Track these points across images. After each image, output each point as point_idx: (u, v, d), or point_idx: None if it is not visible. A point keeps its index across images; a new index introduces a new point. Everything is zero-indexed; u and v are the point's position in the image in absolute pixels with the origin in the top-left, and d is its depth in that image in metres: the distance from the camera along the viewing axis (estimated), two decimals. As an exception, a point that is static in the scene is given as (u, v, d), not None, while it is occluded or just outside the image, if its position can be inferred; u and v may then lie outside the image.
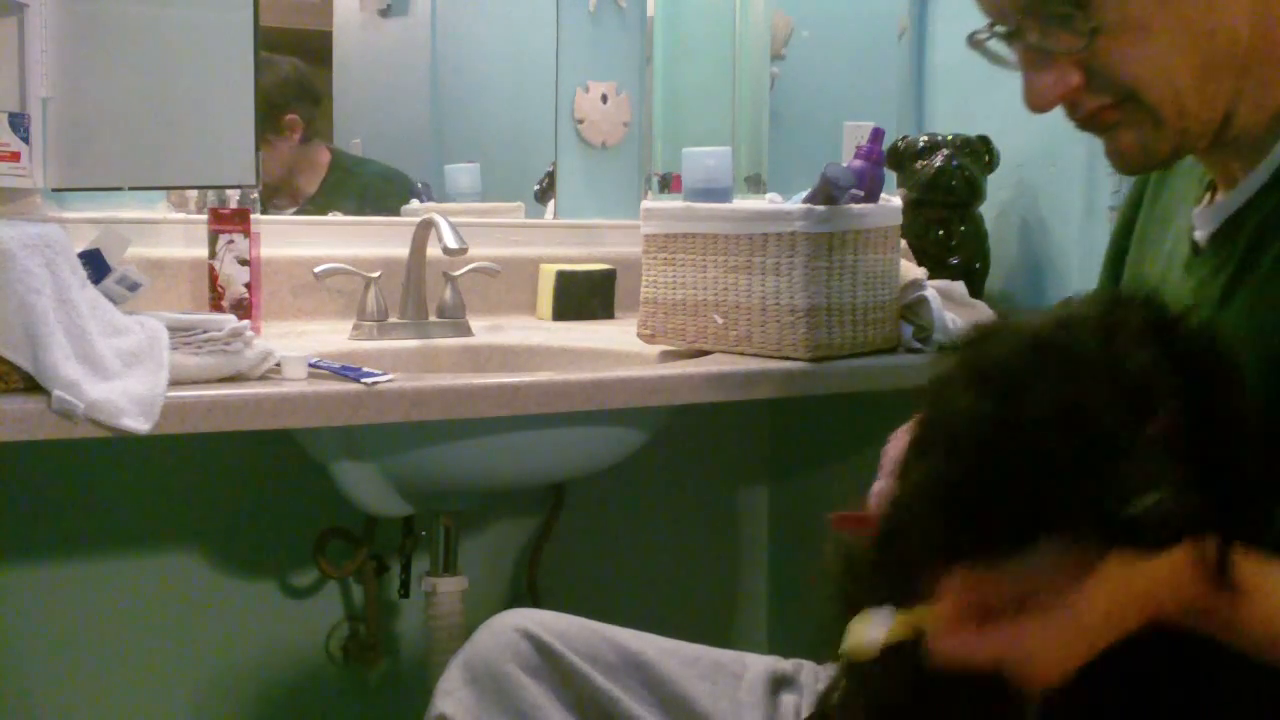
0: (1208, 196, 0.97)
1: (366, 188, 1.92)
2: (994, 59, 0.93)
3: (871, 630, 0.72)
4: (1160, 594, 0.72)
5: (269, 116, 1.78)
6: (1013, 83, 0.91)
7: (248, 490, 1.70)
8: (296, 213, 1.86)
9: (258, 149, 1.57)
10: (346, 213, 1.87)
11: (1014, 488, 0.68)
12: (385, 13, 1.93)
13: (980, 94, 2.00)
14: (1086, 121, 0.91)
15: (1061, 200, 1.89)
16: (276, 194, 1.85)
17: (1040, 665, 0.70)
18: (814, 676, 1.11)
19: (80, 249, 1.26)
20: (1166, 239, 1.02)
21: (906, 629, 0.72)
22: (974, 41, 0.92)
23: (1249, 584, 0.73)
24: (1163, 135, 0.88)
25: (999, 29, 0.91)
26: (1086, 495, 0.67)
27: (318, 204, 1.88)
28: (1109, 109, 0.88)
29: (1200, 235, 0.95)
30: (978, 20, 0.92)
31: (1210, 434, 0.71)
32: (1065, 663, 0.71)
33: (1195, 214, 0.96)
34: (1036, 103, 0.89)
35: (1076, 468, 0.67)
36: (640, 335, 1.62)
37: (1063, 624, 0.70)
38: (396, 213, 1.92)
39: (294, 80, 1.86)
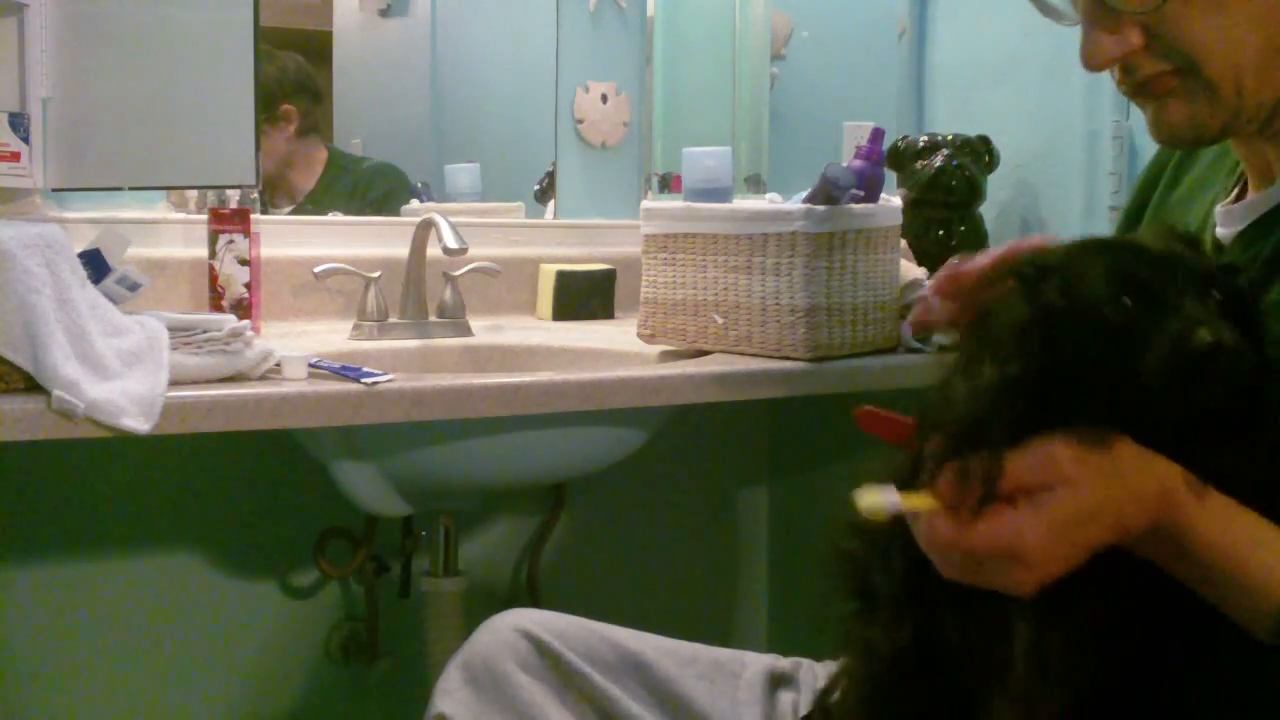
0: (1235, 192, 0.94)
1: (358, 182, 1.92)
2: (1046, 10, 0.91)
3: (884, 496, 0.76)
4: (1129, 509, 0.74)
5: (265, 106, 1.78)
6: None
7: (248, 490, 1.70)
8: (294, 211, 1.86)
9: (258, 149, 1.57)
10: (344, 209, 1.87)
11: (1085, 353, 0.73)
12: (385, 13, 1.93)
13: (980, 94, 2.00)
14: (1138, 88, 0.88)
15: (1061, 200, 1.89)
16: (274, 190, 1.85)
17: (1027, 554, 0.72)
18: (812, 675, 1.11)
19: (80, 249, 1.26)
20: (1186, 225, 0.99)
21: (912, 505, 0.76)
22: None
23: (1207, 517, 0.75)
24: (1215, 111, 0.86)
25: None
26: (1153, 333, 0.72)
27: (315, 201, 1.88)
28: (1166, 76, 0.86)
29: (1224, 233, 0.93)
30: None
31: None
32: (1048, 558, 0.72)
33: (1219, 211, 0.94)
34: (1094, 61, 0.87)
35: (1141, 320, 0.72)
36: (640, 335, 1.62)
37: (1052, 514, 0.72)
38: (395, 209, 1.92)
39: (294, 73, 1.86)
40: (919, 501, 0.75)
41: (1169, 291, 0.73)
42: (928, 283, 0.89)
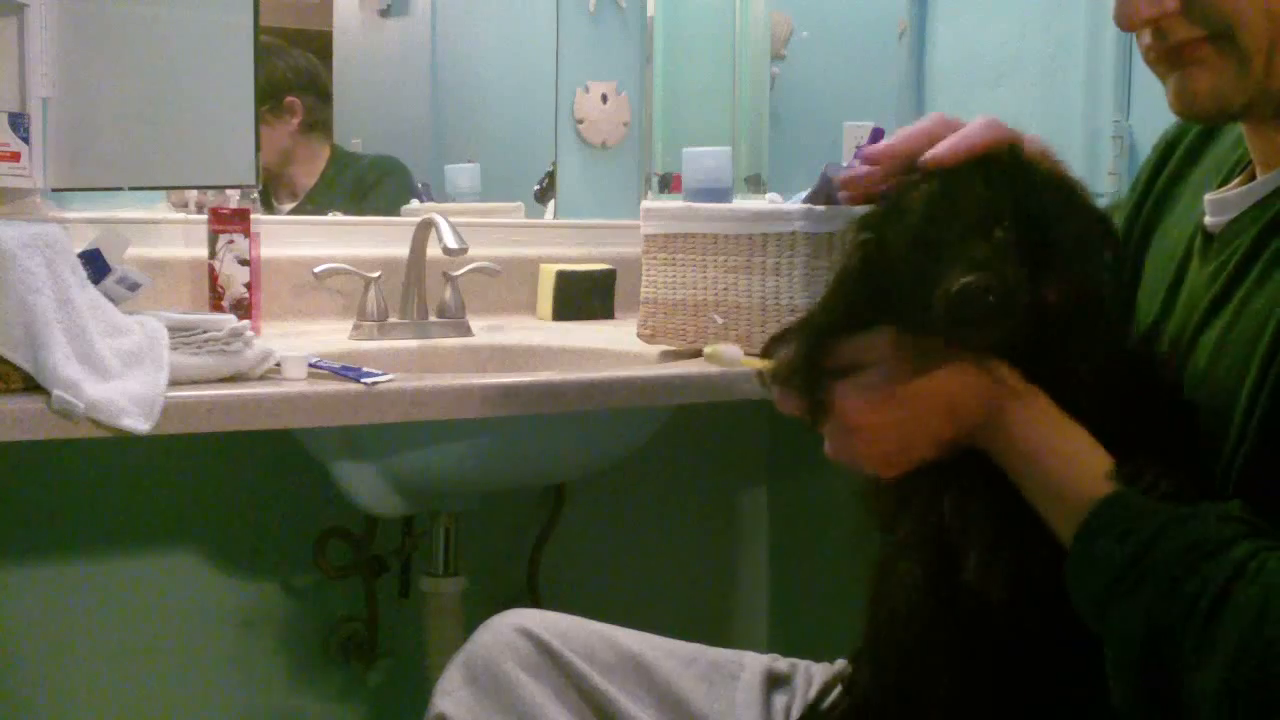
0: (1236, 182, 0.92)
1: (360, 178, 1.92)
2: None
3: (731, 349, 0.95)
4: (960, 397, 0.80)
5: (269, 97, 1.78)
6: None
7: (248, 490, 1.70)
8: (295, 209, 1.86)
9: (258, 149, 1.57)
10: (346, 206, 1.87)
11: (880, 287, 0.82)
12: (385, 13, 1.93)
13: (980, 94, 2.00)
14: (1167, 54, 0.87)
15: (1061, 200, 1.89)
16: (277, 186, 1.85)
17: (853, 422, 0.82)
18: (808, 677, 1.11)
19: (80, 249, 1.26)
20: (1191, 216, 0.97)
21: (746, 362, 0.92)
22: None
23: (1027, 416, 0.80)
24: (1241, 86, 0.84)
25: None
26: (926, 279, 0.78)
27: (317, 198, 1.88)
28: (1199, 43, 0.84)
29: (1213, 221, 0.91)
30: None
31: (1042, 251, 0.80)
32: (878, 431, 0.81)
33: (1208, 200, 0.92)
34: (1128, 22, 0.86)
35: (922, 263, 0.80)
36: (640, 335, 1.62)
37: (865, 383, 0.82)
38: (397, 199, 1.92)
39: (302, 69, 1.86)
40: (753, 362, 0.88)
41: (951, 242, 0.79)
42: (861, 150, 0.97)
